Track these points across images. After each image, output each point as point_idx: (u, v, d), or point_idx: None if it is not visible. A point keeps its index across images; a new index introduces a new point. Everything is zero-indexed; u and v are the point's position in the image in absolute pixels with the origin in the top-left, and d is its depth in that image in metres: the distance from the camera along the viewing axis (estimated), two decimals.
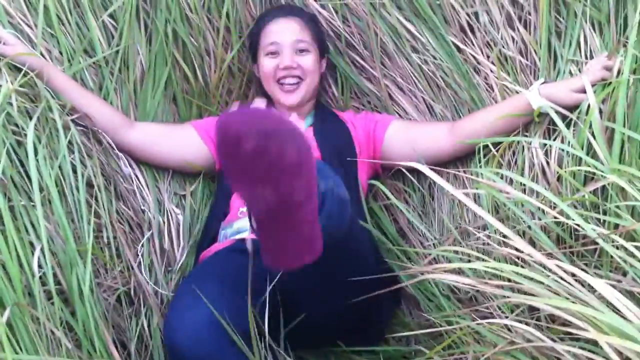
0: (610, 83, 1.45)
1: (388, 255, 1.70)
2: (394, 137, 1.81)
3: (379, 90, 1.97)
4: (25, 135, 1.48)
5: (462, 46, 1.83)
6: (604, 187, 1.32)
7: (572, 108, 1.50)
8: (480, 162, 1.60)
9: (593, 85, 1.47)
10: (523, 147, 1.55)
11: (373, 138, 1.83)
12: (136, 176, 1.72)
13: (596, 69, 1.51)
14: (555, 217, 1.19)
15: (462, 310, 1.27)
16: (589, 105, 1.44)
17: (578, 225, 1.17)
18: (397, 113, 1.95)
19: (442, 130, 1.76)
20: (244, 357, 1.29)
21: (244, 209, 1.70)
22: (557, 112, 1.49)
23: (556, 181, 1.40)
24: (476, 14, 1.81)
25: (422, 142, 1.76)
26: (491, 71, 1.78)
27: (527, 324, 1.06)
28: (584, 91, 1.47)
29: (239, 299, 1.29)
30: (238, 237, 1.63)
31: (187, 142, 1.83)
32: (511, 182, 1.45)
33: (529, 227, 1.28)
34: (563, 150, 1.43)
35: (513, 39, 1.76)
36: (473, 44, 1.84)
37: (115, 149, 1.72)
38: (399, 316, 1.64)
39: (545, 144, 1.48)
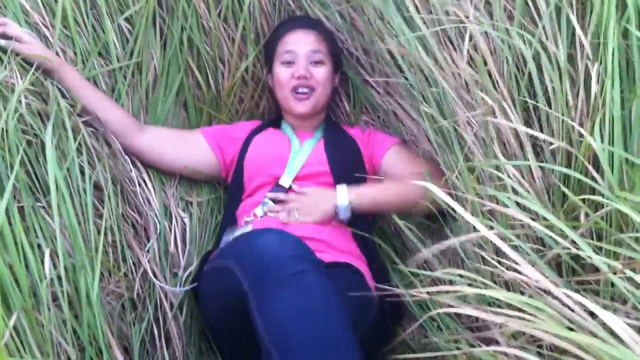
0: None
1: (393, 271, 1.70)
2: (390, 163, 1.83)
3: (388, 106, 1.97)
4: (35, 135, 1.48)
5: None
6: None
7: None
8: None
9: None
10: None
11: (372, 160, 1.85)
12: (143, 180, 1.72)
13: None
14: (566, 248, 1.18)
15: (464, 335, 1.27)
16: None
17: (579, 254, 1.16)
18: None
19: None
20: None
21: (249, 219, 1.71)
22: None
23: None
24: None
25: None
26: None
27: (538, 353, 1.05)
28: None
29: None
30: None
31: (195, 149, 1.84)
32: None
33: (527, 252, 1.27)
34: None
35: None
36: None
37: (123, 152, 1.72)
38: (399, 335, 1.64)
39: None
